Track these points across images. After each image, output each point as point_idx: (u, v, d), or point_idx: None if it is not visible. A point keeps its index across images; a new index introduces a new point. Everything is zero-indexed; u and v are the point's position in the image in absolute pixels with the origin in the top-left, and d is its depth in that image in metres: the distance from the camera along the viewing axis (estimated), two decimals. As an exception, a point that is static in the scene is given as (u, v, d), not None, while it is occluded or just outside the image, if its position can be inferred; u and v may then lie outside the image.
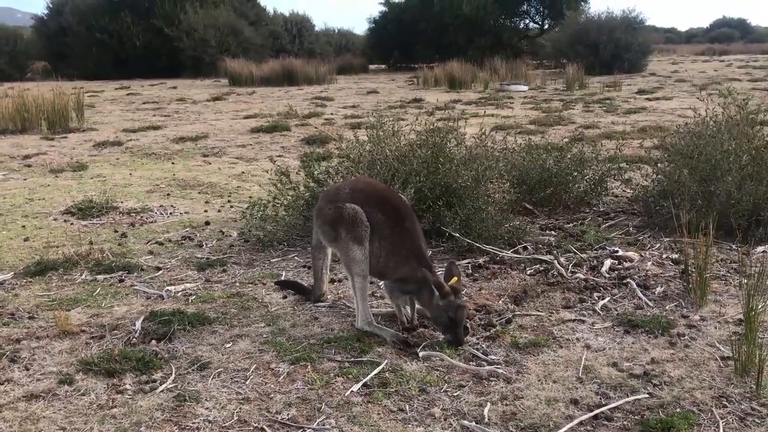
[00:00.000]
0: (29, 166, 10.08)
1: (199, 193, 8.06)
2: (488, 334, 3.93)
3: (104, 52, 35.72)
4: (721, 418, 3.00)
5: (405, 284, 3.91)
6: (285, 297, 4.60)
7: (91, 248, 5.62)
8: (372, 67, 43.02)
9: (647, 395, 3.22)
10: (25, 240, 6.11)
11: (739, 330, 3.81)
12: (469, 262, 5.12)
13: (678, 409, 3.08)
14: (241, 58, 32.18)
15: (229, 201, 7.58)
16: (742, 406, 3.10)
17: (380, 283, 4.04)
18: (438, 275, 3.90)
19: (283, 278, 4.94)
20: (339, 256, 4.11)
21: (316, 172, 6.18)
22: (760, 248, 5.20)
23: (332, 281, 4.79)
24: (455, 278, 3.80)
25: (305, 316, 4.28)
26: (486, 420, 3.03)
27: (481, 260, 5.17)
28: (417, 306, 4.08)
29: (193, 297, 4.62)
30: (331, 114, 15.91)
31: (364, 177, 5.32)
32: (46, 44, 38.04)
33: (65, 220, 6.84)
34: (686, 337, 3.84)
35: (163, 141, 12.21)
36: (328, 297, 4.51)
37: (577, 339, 3.85)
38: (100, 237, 6.18)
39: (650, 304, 4.33)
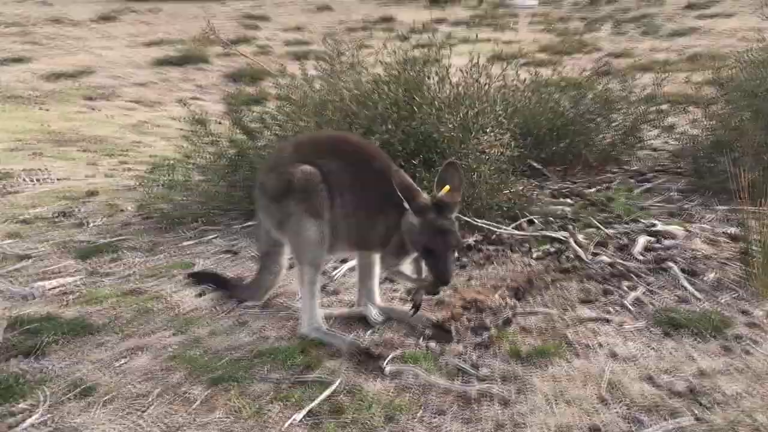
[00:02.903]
0: None
1: (81, 150, 7.97)
2: (480, 340, 3.95)
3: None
4: (790, 448, 3.06)
5: (394, 248, 3.87)
6: (201, 294, 4.57)
7: (-72, 230, 5.51)
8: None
9: (693, 419, 3.25)
10: None
11: (815, 330, 3.88)
12: (455, 243, 5.14)
13: (733, 437, 3.13)
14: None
15: (123, 162, 7.50)
16: (818, 431, 3.16)
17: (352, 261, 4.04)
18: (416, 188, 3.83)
19: (198, 268, 4.90)
20: (287, 238, 4.07)
21: (246, 120, 6.08)
22: None
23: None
24: (447, 188, 3.76)
25: (229, 320, 4.25)
26: (476, 457, 3.06)
27: (471, 239, 5.18)
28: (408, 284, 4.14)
29: (73, 296, 4.56)
30: (267, 39, 15.71)
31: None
32: None
33: None
34: (746, 340, 3.89)
35: (30, 79, 12.00)
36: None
37: (600, 345, 3.88)
38: (-59, 214, 6.06)
39: (698, 295, 4.37)
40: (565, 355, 3.81)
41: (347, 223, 3.93)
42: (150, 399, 3.49)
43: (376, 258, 4.18)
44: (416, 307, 3.99)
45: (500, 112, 6.08)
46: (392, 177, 3.70)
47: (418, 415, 3.35)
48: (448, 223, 3.64)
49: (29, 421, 3.34)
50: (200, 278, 4.71)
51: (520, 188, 5.71)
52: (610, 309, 4.29)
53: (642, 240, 5.12)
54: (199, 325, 4.21)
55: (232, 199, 5.71)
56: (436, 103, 5.70)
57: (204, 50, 13.90)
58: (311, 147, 4.05)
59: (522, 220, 5.47)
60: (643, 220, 5.52)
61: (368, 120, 5.55)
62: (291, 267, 4.46)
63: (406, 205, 3.64)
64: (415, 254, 3.84)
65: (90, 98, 10.61)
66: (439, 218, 3.62)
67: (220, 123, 6.31)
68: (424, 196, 3.71)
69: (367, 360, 3.76)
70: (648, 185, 6.38)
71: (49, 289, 4.65)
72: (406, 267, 3.98)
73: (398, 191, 3.63)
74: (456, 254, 3.82)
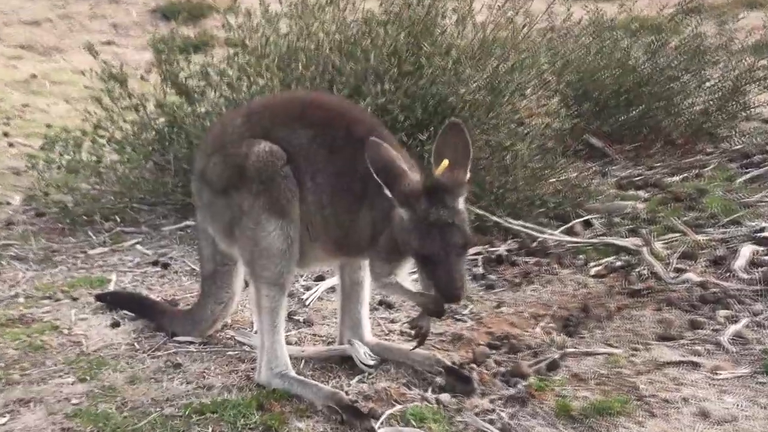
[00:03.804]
0: None
1: (-55, 118, 8.01)
2: (513, 391, 3.94)
3: None
4: None
5: (384, 249, 3.83)
6: (116, 325, 4.56)
7: None
8: None
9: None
10: None
11: None
12: (479, 253, 5.15)
13: None
14: None
15: (5, 134, 7.55)
16: None
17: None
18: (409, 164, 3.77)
19: (113, 287, 4.92)
20: (239, 248, 4.06)
21: (182, 75, 6.12)
22: None
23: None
24: (446, 162, 3.69)
25: (156, 361, 4.24)
26: None
27: (502, 248, 5.20)
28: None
29: (-68, 325, 4.55)
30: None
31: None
32: None
33: None
34: None
35: None
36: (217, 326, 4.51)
37: (685, 399, 3.87)
38: None
39: (826, 330, 4.38)
40: (636, 414, 3.79)
41: (323, 218, 3.91)
42: (42, 473, 3.50)
43: (366, 274, 4.17)
44: (421, 338, 3.90)
45: (545, 66, 6.07)
46: (366, 150, 3.62)
47: (425, 498, 3.36)
48: (448, 213, 3.55)
49: None
50: (115, 301, 4.71)
51: (573, 175, 5.70)
52: (700, 349, 4.27)
53: (746, 250, 5.08)
54: (113, 368, 4.18)
55: (161, 188, 5.70)
56: (453, 52, 5.67)
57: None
58: (269, 114, 4.04)
59: (575, 221, 5.47)
60: (748, 222, 5.48)
61: (356, 77, 5.55)
62: (246, 286, 4.40)
63: (388, 193, 3.59)
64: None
65: (-43, 42, 10.52)
66: (435, 207, 3.54)
67: (144, 79, 6.26)
68: (415, 178, 3.64)
69: (352, 419, 3.74)
70: (756, 172, 6.35)
71: None
72: (405, 278, 3.89)
73: (374, 172, 3.57)
74: (464, 257, 3.65)
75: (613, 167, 6.44)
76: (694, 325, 4.46)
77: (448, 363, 4.08)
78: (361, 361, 4.15)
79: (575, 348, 4.30)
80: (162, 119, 5.92)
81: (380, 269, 3.85)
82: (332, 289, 4.74)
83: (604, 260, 5.11)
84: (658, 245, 5.14)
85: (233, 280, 4.28)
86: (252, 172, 3.85)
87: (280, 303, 3.98)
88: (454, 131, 3.71)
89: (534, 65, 5.88)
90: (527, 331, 4.42)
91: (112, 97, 5.99)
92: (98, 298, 4.76)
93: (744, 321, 4.49)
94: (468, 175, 3.65)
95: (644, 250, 5.06)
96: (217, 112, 5.67)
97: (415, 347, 3.94)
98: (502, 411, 3.83)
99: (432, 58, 5.57)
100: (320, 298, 4.88)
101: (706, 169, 6.47)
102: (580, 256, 5.15)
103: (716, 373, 4.07)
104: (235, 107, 5.19)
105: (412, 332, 3.97)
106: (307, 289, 4.96)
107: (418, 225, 3.52)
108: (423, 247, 3.52)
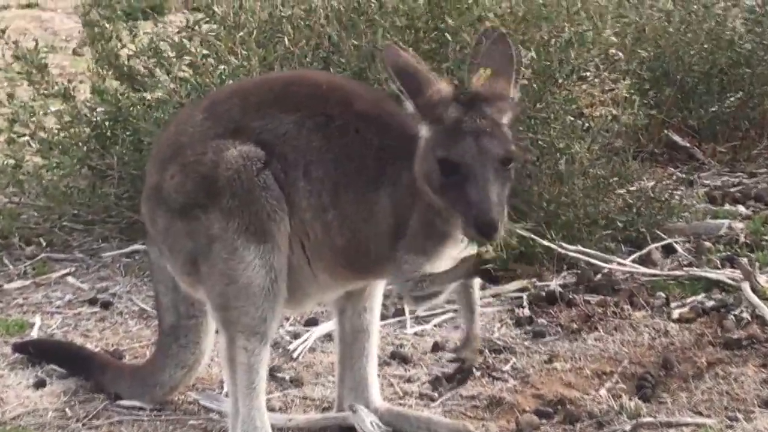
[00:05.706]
0: None
1: None
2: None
3: None
4: None
5: (415, 236, 3.79)
6: (41, 384, 4.57)
7: None
8: None
9: None
10: None
11: None
12: (524, 289, 5.17)
13: None
14: None
15: None
16: None
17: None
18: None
19: (35, 335, 4.96)
20: (206, 287, 4.02)
21: (126, 53, 6.10)
22: None
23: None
24: (488, 71, 3.68)
25: (93, 432, 4.27)
26: None
27: (554, 283, 5.22)
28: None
29: None
30: None
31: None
32: None
33: None
34: None
35: None
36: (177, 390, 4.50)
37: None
38: None
39: None
40: None
41: (325, 225, 3.89)
42: None
43: (374, 318, 4.18)
44: (465, 374, 3.94)
45: (612, 39, 6.06)
46: (384, 56, 3.72)
47: None
48: (486, 122, 3.54)
49: None
50: (40, 353, 4.72)
51: (650, 185, 5.69)
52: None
53: None
54: (37, 443, 4.17)
55: (100, 201, 5.70)
56: (488, 25, 5.62)
57: None
58: (239, 101, 4.04)
59: (653, 245, 5.44)
60: None
61: (360, 57, 5.59)
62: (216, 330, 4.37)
63: (409, 103, 3.60)
64: (457, 246, 3.71)
65: None
66: (470, 115, 3.54)
67: (78, 54, 6.26)
68: (445, 87, 3.65)
69: None
70: None
71: None
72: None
73: (392, 78, 3.59)
74: (505, 178, 3.57)
75: (703, 174, 6.41)
76: (814, 386, 4.46)
77: (485, 436, 4.05)
78: (367, 434, 4.17)
79: (653, 417, 4.27)
80: (100, 110, 5.89)
81: (411, 263, 3.75)
82: (328, 336, 4.72)
83: (690, 299, 5.09)
84: (763, 279, 5.10)
85: (201, 338, 4.27)
86: (223, 184, 3.83)
87: (261, 357, 3.93)
88: (493, 40, 3.74)
89: (596, 39, 5.84)
90: (589, 394, 4.42)
91: (33, 81, 5.96)
92: (17, 348, 4.78)
93: None
94: (515, 92, 3.65)
95: (745, 285, 5.03)
96: (177, 101, 5.58)
97: (456, 385, 3.92)
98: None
99: (459, 33, 5.58)
100: (312, 349, 4.86)
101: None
102: (660, 294, 5.12)
103: None
104: (198, 95, 5.17)
105: (455, 364, 3.90)
106: (295, 336, 4.94)
107: (447, 132, 3.52)
108: (450, 153, 3.49)
